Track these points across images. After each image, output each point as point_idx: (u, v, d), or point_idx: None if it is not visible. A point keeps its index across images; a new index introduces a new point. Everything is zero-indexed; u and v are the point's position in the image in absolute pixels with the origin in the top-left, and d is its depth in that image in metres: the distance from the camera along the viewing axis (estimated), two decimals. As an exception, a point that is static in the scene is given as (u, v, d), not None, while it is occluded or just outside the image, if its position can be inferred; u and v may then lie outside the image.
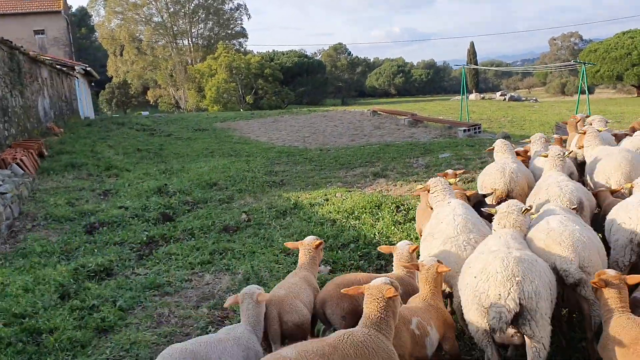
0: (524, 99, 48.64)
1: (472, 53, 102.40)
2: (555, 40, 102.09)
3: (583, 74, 18.48)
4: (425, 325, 4.37)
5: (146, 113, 53.49)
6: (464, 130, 20.52)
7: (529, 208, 5.24)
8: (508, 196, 6.84)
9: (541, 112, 34.39)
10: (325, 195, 11.91)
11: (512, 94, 51.28)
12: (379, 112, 28.39)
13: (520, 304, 3.95)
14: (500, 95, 48.66)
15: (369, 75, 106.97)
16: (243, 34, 77.64)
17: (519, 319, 4.02)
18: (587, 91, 17.68)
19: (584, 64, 19.17)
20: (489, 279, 4.09)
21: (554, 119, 29.61)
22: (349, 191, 12.28)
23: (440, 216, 5.59)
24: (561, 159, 6.79)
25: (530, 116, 31.14)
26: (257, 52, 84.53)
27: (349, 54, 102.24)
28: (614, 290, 3.96)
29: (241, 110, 63.74)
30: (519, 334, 4.21)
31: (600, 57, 56.55)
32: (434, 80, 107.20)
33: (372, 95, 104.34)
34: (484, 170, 7.63)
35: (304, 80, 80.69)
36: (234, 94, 66.39)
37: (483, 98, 49.07)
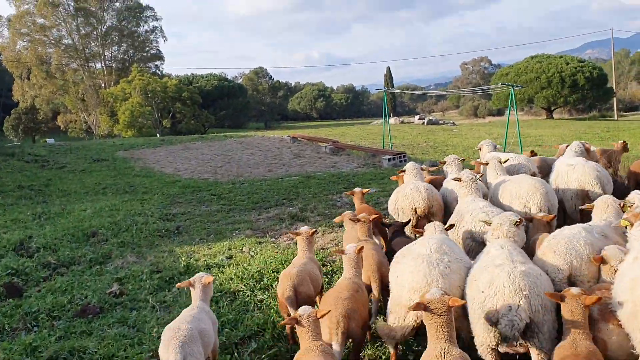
0: (441, 122, 47.66)
1: (389, 77, 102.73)
2: (466, 64, 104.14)
3: (512, 96, 16.79)
4: None
5: (51, 140, 48.68)
6: (389, 159, 18.35)
7: (521, 220, 5.29)
8: (429, 212, 7.13)
9: (461, 136, 33.05)
10: (230, 249, 9.26)
11: (430, 117, 50.28)
12: (299, 139, 25.92)
13: (528, 317, 4.00)
14: (419, 119, 47.46)
15: (291, 99, 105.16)
16: (159, 56, 73.64)
17: (526, 331, 4.05)
18: (516, 114, 15.93)
19: (512, 86, 17.49)
20: (497, 294, 4.13)
21: (474, 143, 28.23)
22: (260, 242, 9.65)
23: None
24: (475, 182, 6.84)
25: (451, 140, 29.61)
26: (176, 76, 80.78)
27: (270, 77, 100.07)
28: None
29: (158, 135, 59.86)
30: (524, 344, 4.17)
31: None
32: (354, 104, 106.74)
33: (295, 118, 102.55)
34: (397, 193, 7.59)
35: (224, 104, 77.62)
36: (149, 117, 62.34)
37: (402, 122, 47.73)
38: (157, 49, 74.69)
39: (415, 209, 7.10)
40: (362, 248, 5.35)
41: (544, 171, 9.14)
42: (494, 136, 32.26)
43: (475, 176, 6.93)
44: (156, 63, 75.76)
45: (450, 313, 3.83)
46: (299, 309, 4.26)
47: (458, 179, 6.92)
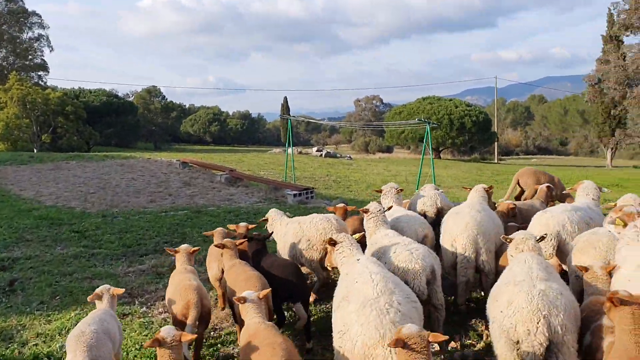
0: (339, 155, 46.05)
1: (286, 107, 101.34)
2: (359, 101, 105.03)
3: (427, 133, 14.86)
4: None
5: None
6: (295, 195, 15.69)
7: (544, 236, 5.32)
8: None
9: (361, 171, 31.25)
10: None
11: (328, 150, 48.55)
12: (190, 164, 22.61)
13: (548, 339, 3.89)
14: (317, 151, 45.51)
15: (184, 121, 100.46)
16: (44, 66, 66.98)
17: (547, 351, 3.96)
18: (431, 152, 13.98)
19: (428, 123, 15.61)
20: (515, 314, 4.02)
21: (375, 179, 26.42)
22: (124, 314, 6.61)
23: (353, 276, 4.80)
24: (383, 214, 6.48)
25: (352, 175, 27.64)
26: (62, 88, 73.98)
27: (164, 97, 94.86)
28: None
29: (35, 150, 53.60)
30: None
31: (404, 119, 56.78)
32: (249, 131, 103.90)
33: (187, 141, 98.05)
34: (303, 225, 6.97)
35: (112, 121, 71.86)
36: (27, 131, 55.78)
37: (300, 152, 45.48)
38: (42, 59, 68.02)
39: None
40: (266, 294, 4.88)
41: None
42: (392, 173, 30.81)
43: (382, 208, 6.52)
44: (39, 73, 68.96)
45: (429, 349, 3.49)
46: (163, 331, 4.06)
47: (366, 211, 6.45)
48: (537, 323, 3.89)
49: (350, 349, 4.12)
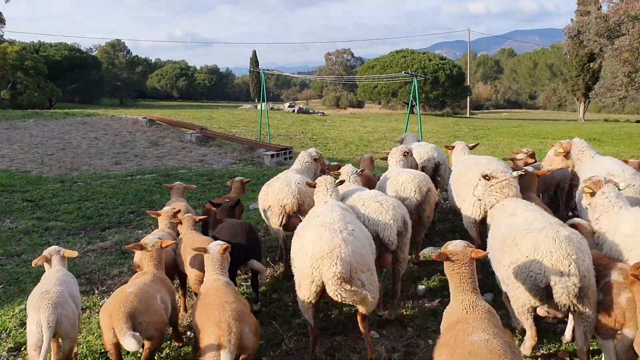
0: (311, 111, 44.58)
1: (255, 62, 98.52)
2: (330, 55, 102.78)
3: (415, 87, 13.69)
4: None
5: None
6: (272, 155, 14.44)
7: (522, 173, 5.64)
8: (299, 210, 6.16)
9: (336, 127, 30.02)
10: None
11: (301, 105, 46.98)
12: (158, 122, 21.02)
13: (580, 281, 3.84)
14: (289, 107, 43.89)
15: (150, 76, 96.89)
16: (-1, 19, 62.88)
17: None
18: (418, 106, 12.91)
19: (415, 76, 14.41)
20: (544, 259, 3.94)
21: (351, 136, 25.29)
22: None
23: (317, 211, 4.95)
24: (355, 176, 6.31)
25: (328, 132, 26.41)
26: (20, 42, 70.01)
27: (129, 52, 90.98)
28: None
29: (-8, 106, 50.75)
30: (563, 311, 3.99)
31: (377, 73, 55.38)
32: (218, 86, 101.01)
33: (154, 97, 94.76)
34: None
35: (75, 76, 68.49)
36: (-17, 86, 52.65)
37: (272, 109, 43.78)
38: (-3, 11, 63.81)
39: (284, 205, 6.18)
40: (227, 247, 4.51)
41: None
42: (368, 129, 29.68)
43: (355, 170, 6.38)
44: (-5, 26, 64.89)
45: (473, 264, 3.63)
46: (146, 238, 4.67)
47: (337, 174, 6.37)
48: (569, 267, 3.83)
49: (302, 263, 4.18)
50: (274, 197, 6.22)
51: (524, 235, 4.17)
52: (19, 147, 16.27)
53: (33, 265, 4.54)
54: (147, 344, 3.91)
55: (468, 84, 61.23)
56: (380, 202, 5.21)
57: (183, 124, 19.93)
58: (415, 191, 6.01)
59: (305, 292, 4.14)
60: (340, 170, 6.44)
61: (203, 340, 3.67)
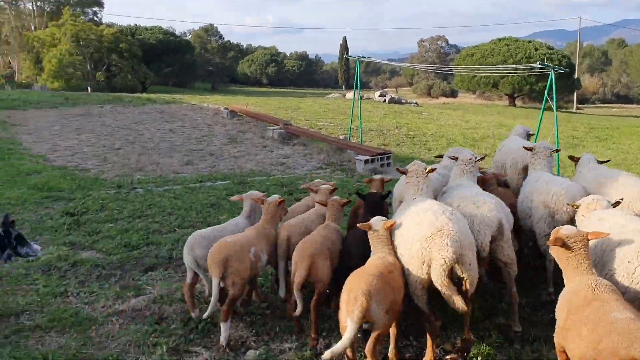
0: (404, 101, 41.50)
1: (345, 48, 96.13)
2: (423, 42, 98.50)
3: (551, 80, 10.62)
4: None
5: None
6: (366, 161, 11.89)
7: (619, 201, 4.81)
8: None
9: (433, 121, 26.95)
10: None
11: (392, 95, 43.96)
12: (239, 114, 19.04)
13: None
14: (380, 96, 41.05)
15: (241, 62, 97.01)
16: (98, 2, 64.30)
17: None
18: (554, 105, 9.85)
19: (553, 68, 11.34)
20: None
21: (454, 133, 22.26)
22: None
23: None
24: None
25: (426, 128, 23.49)
26: (117, 25, 71.42)
27: (221, 37, 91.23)
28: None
29: (88, 89, 51.58)
30: None
31: (477, 62, 51.27)
32: (307, 73, 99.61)
33: (244, 82, 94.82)
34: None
35: (169, 60, 68.97)
36: (80, 68, 53.63)
37: (362, 98, 41.16)
38: (97, -6, 65.50)
39: None
40: (392, 224, 4.39)
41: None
42: (470, 124, 26.41)
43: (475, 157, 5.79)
44: (94, 9, 66.50)
45: (588, 246, 3.70)
46: None
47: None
48: None
49: (410, 246, 4.11)
50: None
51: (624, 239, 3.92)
52: (86, 139, 14.74)
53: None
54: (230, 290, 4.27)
55: (577, 75, 55.57)
56: (477, 204, 4.80)
57: (266, 117, 17.75)
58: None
59: (416, 276, 4.06)
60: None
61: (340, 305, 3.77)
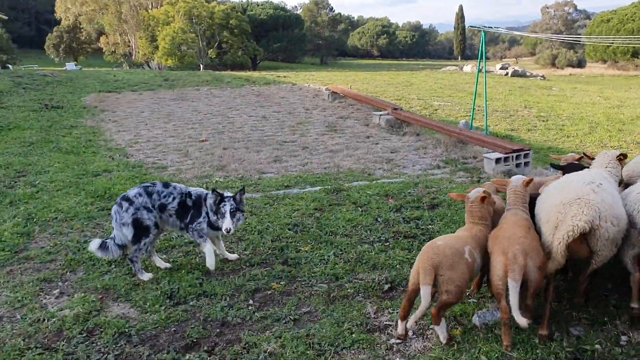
0: (528, 74, 37.13)
1: (461, 17, 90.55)
2: (548, 8, 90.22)
3: None
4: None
5: (72, 65, 41.30)
6: (498, 160, 9.27)
7: None
8: None
9: (567, 98, 23.13)
10: None
11: (515, 67, 39.61)
12: (341, 95, 16.86)
13: None
14: (501, 69, 37.02)
15: (352, 34, 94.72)
16: (210, -22, 64.33)
17: None
18: None
19: None
20: None
21: (595, 114, 18.64)
22: None
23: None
24: None
25: (560, 107, 19.95)
26: (230, 1, 71.64)
27: (331, 9, 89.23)
28: None
29: (201, 66, 51.90)
30: None
31: (614, 28, 45.19)
32: (419, 44, 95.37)
33: (354, 55, 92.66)
34: None
35: (279, 36, 68.35)
36: (192, 45, 54.12)
37: (480, 70, 37.36)
38: (209, -32, 65.49)
39: None
40: (530, 180, 4.62)
41: None
42: (612, 102, 22.31)
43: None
44: (207, -14, 66.88)
45: None
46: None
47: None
48: None
49: (549, 211, 4.14)
50: None
51: None
52: (173, 128, 13.29)
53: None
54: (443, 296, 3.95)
55: None
56: None
57: (371, 100, 15.36)
58: None
59: (547, 237, 4.08)
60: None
61: (493, 267, 3.93)
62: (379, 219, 6.86)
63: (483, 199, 4.45)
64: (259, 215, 7.10)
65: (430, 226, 6.58)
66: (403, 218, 6.87)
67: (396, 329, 4.27)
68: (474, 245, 4.19)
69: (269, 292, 5.06)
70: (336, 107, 15.78)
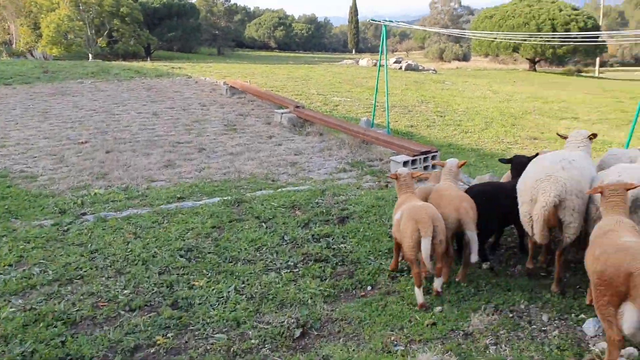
0: (421, 68, 37.66)
1: (354, 10, 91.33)
2: (435, 3, 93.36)
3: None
4: None
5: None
6: (405, 163, 8.61)
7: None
8: None
9: (459, 92, 23.41)
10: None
11: (408, 61, 40.04)
12: (240, 90, 15.65)
13: None
14: (395, 62, 37.20)
15: (248, 25, 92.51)
16: (97, -37, 59.81)
17: None
18: None
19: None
20: None
21: (488, 108, 18.90)
22: None
23: None
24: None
25: (454, 101, 20.06)
26: (120, -12, 67.19)
27: (227, 0, 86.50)
28: None
29: (90, 55, 48.16)
30: None
31: (496, 24, 47.15)
32: (315, 36, 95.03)
33: (251, 46, 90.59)
34: None
35: (173, 25, 64.96)
36: (80, 34, 50.05)
37: (375, 64, 37.30)
38: (96, -46, 60.82)
39: None
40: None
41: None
42: (501, 96, 22.86)
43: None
44: (94, -29, 62.19)
45: (625, 194, 3.85)
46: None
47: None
48: None
49: (525, 187, 4.49)
50: None
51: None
52: (49, 128, 11.50)
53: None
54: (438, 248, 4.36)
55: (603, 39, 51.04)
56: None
57: (272, 97, 14.30)
58: None
59: (525, 211, 4.44)
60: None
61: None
62: (285, 238, 5.92)
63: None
64: (145, 239, 5.91)
65: (342, 245, 5.73)
66: (312, 235, 5.97)
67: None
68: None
69: (152, 351, 3.96)
70: (235, 103, 14.58)
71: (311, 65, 34.88)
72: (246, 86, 15.66)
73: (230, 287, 4.83)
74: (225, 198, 7.21)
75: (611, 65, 76.33)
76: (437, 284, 4.53)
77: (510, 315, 4.22)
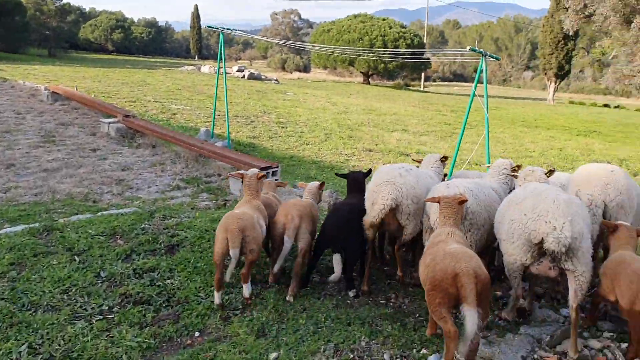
0: (263, 77, 37.49)
1: (197, 16, 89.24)
2: (276, 14, 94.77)
3: (482, 68, 7.66)
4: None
5: None
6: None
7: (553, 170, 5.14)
8: None
9: (301, 103, 23.55)
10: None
11: (251, 70, 39.61)
12: (64, 95, 13.90)
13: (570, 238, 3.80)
14: (238, 71, 36.60)
15: (83, 27, 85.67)
16: None
17: (562, 255, 3.82)
18: (486, 96, 6.78)
19: (485, 55, 8.46)
20: (540, 217, 3.90)
21: (327, 120, 19.19)
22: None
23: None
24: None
25: (296, 112, 20.06)
26: None
27: None
28: None
29: None
30: (556, 268, 4.00)
31: (333, 38, 48.89)
32: (156, 41, 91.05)
33: (87, 49, 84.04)
34: None
35: (-4, 23, 57.80)
36: None
37: (216, 71, 36.27)
38: None
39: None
40: (263, 175, 5.32)
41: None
42: (339, 108, 23.42)
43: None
44: None
45: (460, 208, 4.09)
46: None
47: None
48: (563, 224, 3.74)
49: (369, 192, 4.93)
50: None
51: (525, 198, 4.17)
52: None
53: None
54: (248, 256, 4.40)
55: (428, 55, 55.48)
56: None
57: (99, 104, 12.84)
58: None
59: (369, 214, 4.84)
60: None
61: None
62: (102, 275, 5.02)
63: (261, 176, 5.15)
64: None
65: (168, 281, 4.99)
66: (134, 270, 5.14)
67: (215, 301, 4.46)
68: (259, 214, 4.76)
69: None
70: (57, 110, 12.86)
71: (150, 70, 32.93)
72: (70, 92, 13.91)
73: (22, 345, 3.86)
74: (32, 225, 6.05)
75: (434, 80, 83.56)
76: (246, 291, 4.53)
77: (351, 356, 3.84)
